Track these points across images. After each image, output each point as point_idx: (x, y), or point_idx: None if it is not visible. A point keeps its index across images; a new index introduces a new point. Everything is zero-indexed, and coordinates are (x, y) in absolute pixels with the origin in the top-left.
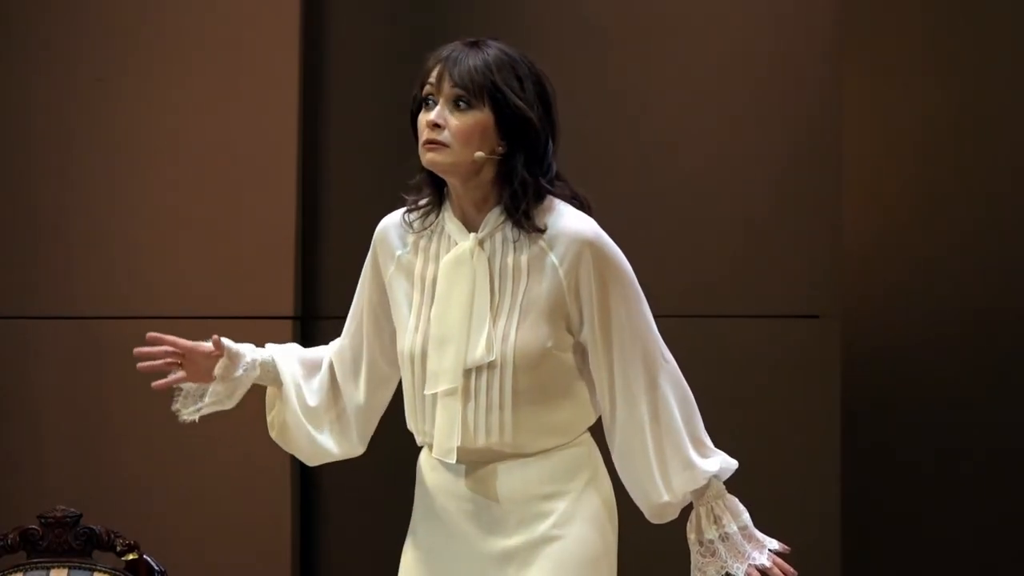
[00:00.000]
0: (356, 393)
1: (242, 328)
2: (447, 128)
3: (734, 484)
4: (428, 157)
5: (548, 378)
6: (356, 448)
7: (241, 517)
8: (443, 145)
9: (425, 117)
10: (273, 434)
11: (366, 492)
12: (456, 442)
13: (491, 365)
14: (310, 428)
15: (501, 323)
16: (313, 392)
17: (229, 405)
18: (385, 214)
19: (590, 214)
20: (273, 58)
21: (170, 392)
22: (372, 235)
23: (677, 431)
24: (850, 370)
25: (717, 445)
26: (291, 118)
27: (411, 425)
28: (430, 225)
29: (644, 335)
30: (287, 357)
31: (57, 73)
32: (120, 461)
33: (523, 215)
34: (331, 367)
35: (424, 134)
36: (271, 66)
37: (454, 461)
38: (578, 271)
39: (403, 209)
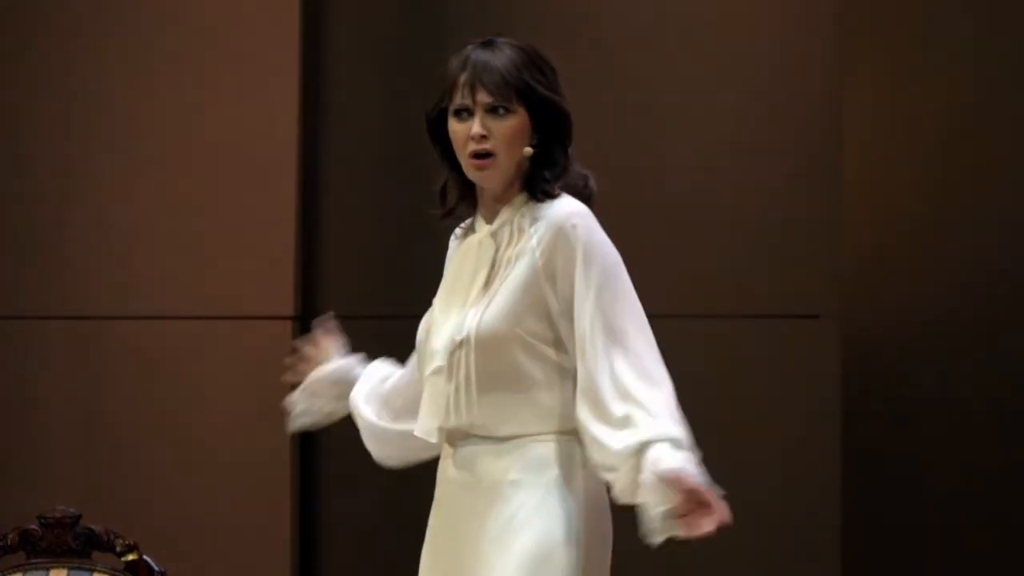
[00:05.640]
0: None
1: (242, 328)
2: (491, 137)
3: (734, 482)
4: (480, 175)
5: (518, 363)
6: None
7: (241, 517)
8: (490, 155)
9: (463, 129)
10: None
11: (367, 493)
12: (436, 422)
13: (462, 344)
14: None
15: (480, 305)
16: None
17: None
18: (384, 214)
19: (591, 199)
20: (273, 58)
21: (168, 393)
22: (371, 235)
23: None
24: (850, 370)
25: (717, 445)
26: (291, 118)
27: None
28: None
29: (622, 333)
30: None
31: (57, 73)
32: (120, 461)
33: (543, 192)
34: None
35: (469, 146)
36: (271, 65)
37: (434, 441)
38: (553, 254)
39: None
